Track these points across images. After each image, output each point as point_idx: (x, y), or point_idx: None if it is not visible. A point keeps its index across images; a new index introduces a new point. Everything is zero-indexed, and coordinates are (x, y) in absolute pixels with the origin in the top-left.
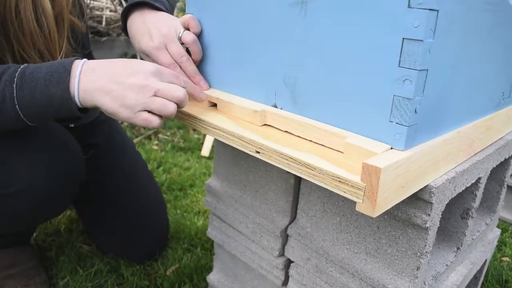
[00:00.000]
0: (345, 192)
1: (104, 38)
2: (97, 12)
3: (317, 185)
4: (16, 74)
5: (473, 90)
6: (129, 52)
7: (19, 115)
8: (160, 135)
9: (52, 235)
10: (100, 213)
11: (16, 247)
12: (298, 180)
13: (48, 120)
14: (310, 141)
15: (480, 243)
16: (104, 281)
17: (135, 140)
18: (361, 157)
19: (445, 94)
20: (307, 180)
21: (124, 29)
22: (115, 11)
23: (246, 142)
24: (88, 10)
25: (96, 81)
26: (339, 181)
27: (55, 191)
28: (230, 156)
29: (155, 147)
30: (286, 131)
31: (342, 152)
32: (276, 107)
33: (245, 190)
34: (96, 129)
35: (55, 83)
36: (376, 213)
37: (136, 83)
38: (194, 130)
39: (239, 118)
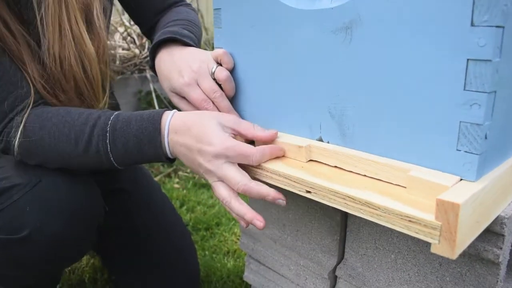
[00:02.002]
0: (417, 233)
1: (118, 77)
2: (111, 52)
3: (366, 220)
4: (108, 129)
5: None
6: (144, 89)
7: (112, 164)
8: (180, 173)
9: (76, 286)
10: (128, 261)
11: None
12: (345, 216)
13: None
14: (364, 175)
15: None
16: None
17: (155, 179)
18: (429, 192)
19: (508, 116)
20: (355, 216)
21: (152, 67)
22: (128, 49)
23: (294, 182)
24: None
25: (179, 147)
26: (409, 221)
27: (70, 233)
28: None
29: (176, 185)
30: (336, 166)
31: (404, 187)
32: (322, 140)
33: (284, 230)
34: (120, 172)
35: (147, 142)
36: (455, 254)
37: (202, 164)
38: None
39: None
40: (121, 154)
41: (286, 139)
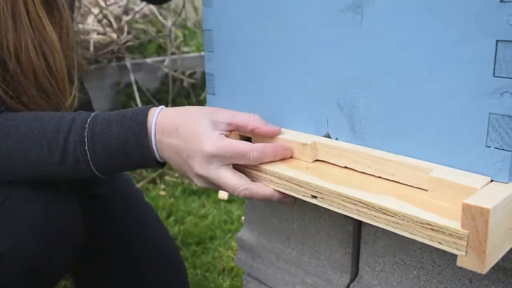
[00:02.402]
0: (441, 243)
1: (93, 66)
2: (83, 37)
3: (383, 230)
4: (85, 133)
5: None
6: (122, 80)
7: (93, 173)
8: (167, 177)
9: None
10: (109, 274)
11: None
12: (358, 225)
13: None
14: (379, 177)
15: None
16: None
17: (137, 185)
18: (454, 195)
19: None
20: (370, 225)
21: None
22: (104, 33)
23: (298, 185)
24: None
25: (167, 150)
26: (431, 229)
27: (46, 255)
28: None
29: (162, 193)
30: (346, 167)
31: (426, 190)
32: (329, 137)
33: (288, 243)
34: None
35: (132, 143)
36: (486, 267)
37: (193, 169)
38: None
39: None
40: (103, 161)
41: (287, 135)
